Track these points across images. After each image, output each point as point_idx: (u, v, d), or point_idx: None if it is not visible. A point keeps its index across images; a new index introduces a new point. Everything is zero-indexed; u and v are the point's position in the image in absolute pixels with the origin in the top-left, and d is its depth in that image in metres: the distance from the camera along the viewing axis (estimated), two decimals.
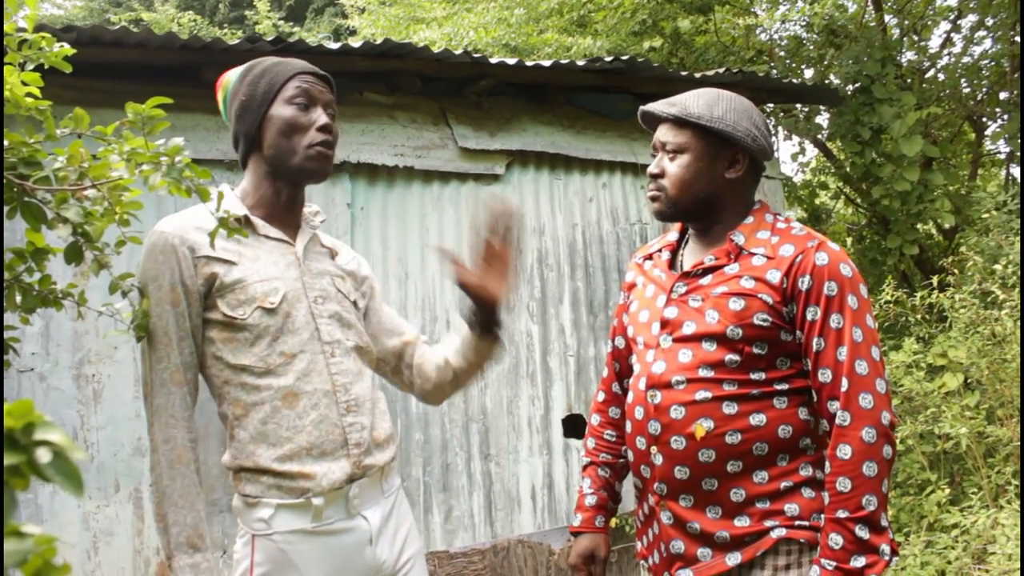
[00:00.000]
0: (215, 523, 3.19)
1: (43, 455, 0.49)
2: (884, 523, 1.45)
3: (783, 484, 1.51)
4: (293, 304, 1.52)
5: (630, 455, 1.66)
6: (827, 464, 1.48)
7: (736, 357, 1.52)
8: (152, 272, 1.48)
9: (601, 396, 1.86)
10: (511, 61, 3.83)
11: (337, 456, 1.50)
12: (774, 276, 1.53)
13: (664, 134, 1.65)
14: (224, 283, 1.49)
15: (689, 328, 1.57)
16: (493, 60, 3.79)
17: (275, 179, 1.58)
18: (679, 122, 1.62)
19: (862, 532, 1.43)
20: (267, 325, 1.49)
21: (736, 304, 1.53)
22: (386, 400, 1.69)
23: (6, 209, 1.18)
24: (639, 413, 1.61)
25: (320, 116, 1.56)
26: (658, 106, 1.66)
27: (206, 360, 1.52)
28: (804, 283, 1.51)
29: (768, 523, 1.51)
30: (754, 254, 1.57)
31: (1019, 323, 3.67)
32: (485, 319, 1.66)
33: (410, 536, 1.64)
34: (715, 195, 1.62)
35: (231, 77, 1.63)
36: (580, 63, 4.00)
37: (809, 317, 1.51)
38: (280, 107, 1.55)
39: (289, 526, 1.47)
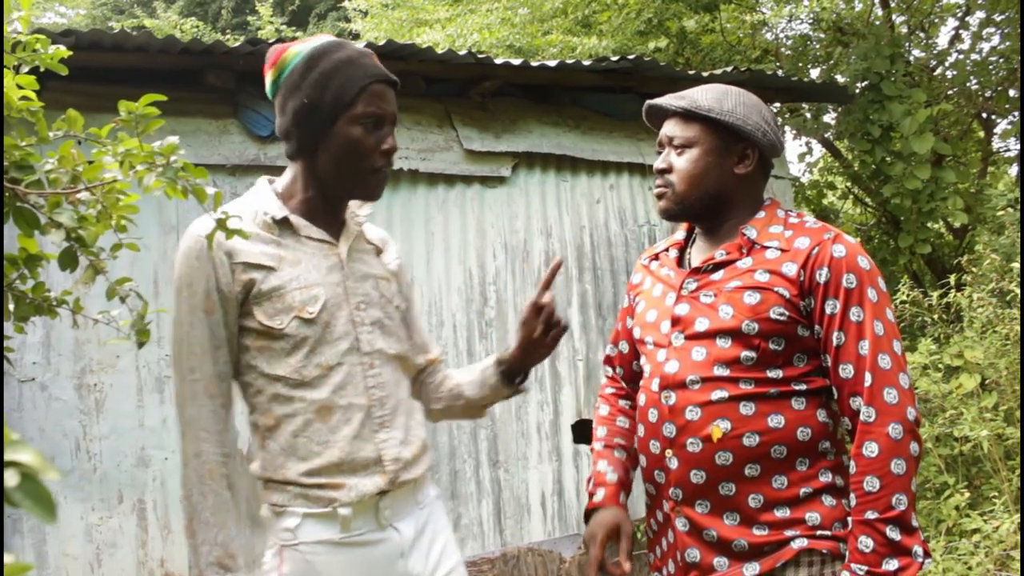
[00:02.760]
0: None
1: (10, 477, 0.44)
2: (915, 523, 1.40)
3: (803, 490, 1.46)
4: (333, 312, 1.45)
5: (643, 460, 1.61)
6: (852, 463, 1.43)
7: (752, 354, 1.47)
8: (187, 278, 1.42)
9: (609, 390, 1.80)
10: (516, 62, 3.80)
11: (370, 471, 1.44)
12: (790, 269, 1.48)
13: (672, 128, 1.59)
14: (261, 291, 1.42)
15: (702, 325, 1.51)
16: (498, 61, 3.75)
17: (323, 190, 1.50)
18: (688, 116, 1.57)
19: (893, 533, 1.37)
20: (305, 336, 1.42)
21: (751, 298, 1.48)
22: None
23: None
24: (653, 415, 1.55)
25: (387, 137, 1.47)
26: (666, 100, 1.61)
27: (240, 368, 1.46)
28: (822, 276, 1.46)
29: (788, 532, 1.45)
30: (767, 247, 1.52)
31: (1020, 321, 3.61)
32: (519, 369, 1.63)
33: (447, 548, 1.56)
34: (724, 191, 1.57)
35: (290, 61, 1.48)
36: (586, 63, 3.96)
37: (828, 311, 1.46)
38: (348, 125, 1.44)
39: (315, 536, 1.41)
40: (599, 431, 1.76)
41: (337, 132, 1.44)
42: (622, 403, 1.77)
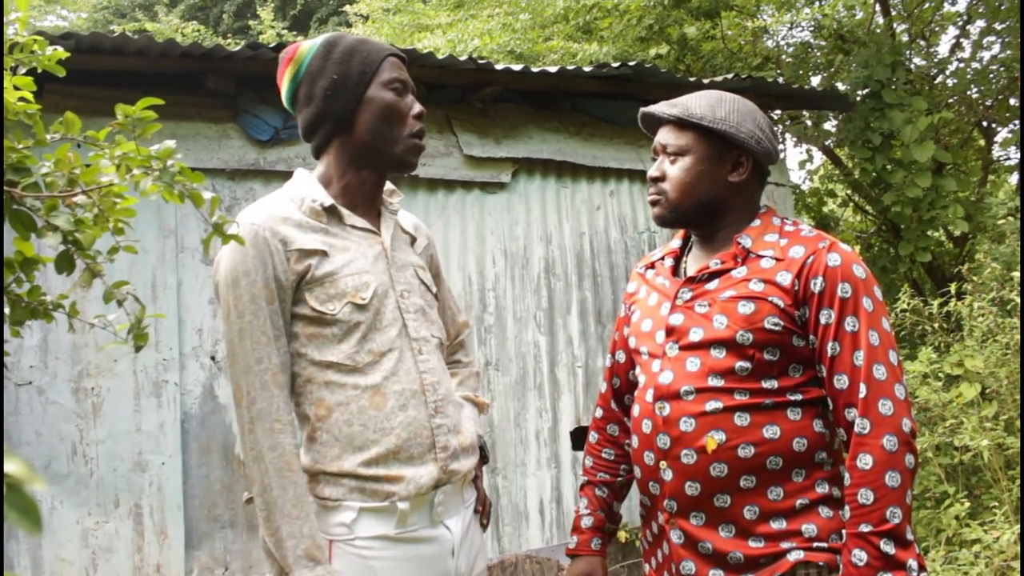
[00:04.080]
0: (216, 538, 3.13)
1: None
2: (910, 536, 1.38)
3: (799, 502, 1.45)
4: (382, 299, 1.46)
5: (637, 471, 1.59)
6: (847, 475, 1.41)
7: (747, 364, 1.46)
8: (243, 267, 1.40)
9: (599, 413, 1.80)
10: (517, 68, 3.79)
11: (425, 460, 1.43)
12: (784, 278, 1.47)
13: (665, 136, 1.59)
14: (315, 276, 1.42)
15: (696, 335, 1.50)
16: (498, 67, 3.74)
17: (362, 167, 1.51)
18: (681, 123, 1.57)
19: (887, 547, 1.35)
20: (358, 321, 1.42)
21: (745, 308, 1.47)
22: None
23: None
24: (647, 427, 1.54)
25: (414, 104, 1.51)
26: (659, 108, 1.61)
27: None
28: (816, 285, 1.45)
29: (784, 545, 1.44)
30: (762, 256, 1.51)
31: (1021, 330, 3.60)
32: None
33: (481, 550, 1.57)
34: (718, 199, 1.56)
35: (307, 53, 1.51)
36: (586, 69, 3.95)
37: (823, 321, 1.44)
38: (379, 90, 1.48)
39: (372, 531, 1.39)
40: (586, 462, 1.79)
41: (370, 98, 1.47)
42: (611, 430, 1.78)
